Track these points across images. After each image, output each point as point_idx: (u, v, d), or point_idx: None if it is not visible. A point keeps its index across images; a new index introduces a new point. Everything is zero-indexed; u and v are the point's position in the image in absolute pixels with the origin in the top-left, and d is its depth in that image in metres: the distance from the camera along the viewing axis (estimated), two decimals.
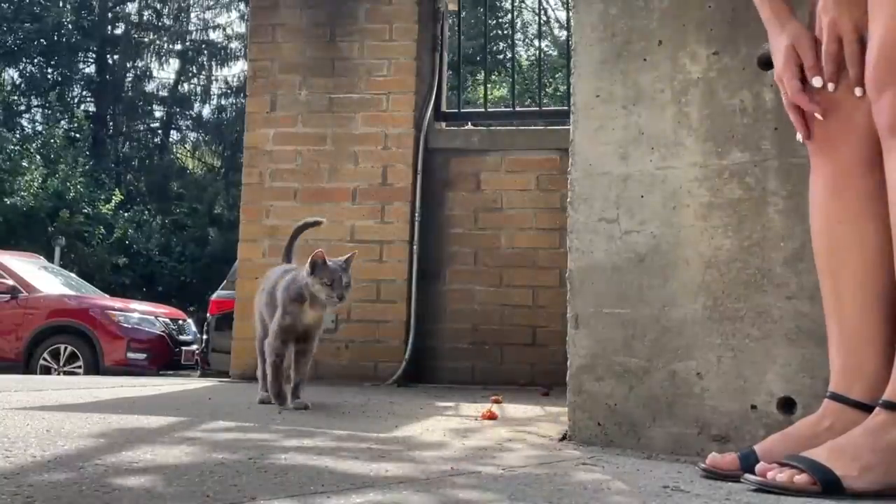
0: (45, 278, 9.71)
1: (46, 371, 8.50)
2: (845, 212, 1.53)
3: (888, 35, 1.40)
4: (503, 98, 15.68)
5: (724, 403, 1.84)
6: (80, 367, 8.60)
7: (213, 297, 8.08)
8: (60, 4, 23.63)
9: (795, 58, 1.57)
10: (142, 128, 25.66)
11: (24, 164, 18.32)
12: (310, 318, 2.73)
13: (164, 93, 25.40)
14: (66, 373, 8.42)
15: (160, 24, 25.29)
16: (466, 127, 5.04)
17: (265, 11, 5.03)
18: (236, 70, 24.77)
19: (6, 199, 17.11)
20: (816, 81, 1.52)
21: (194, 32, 25.45)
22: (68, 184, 18.15)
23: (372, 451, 1.80)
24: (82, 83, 25.09)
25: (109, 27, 25.24)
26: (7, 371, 6.92)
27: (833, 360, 1.55)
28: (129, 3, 25.04)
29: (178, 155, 25.39)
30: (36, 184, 17.98)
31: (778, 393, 1.79)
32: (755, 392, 1.82)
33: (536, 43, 19.82)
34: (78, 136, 20.42)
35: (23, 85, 23.67)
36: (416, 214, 4.73)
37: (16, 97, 22.51)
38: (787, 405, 1.78)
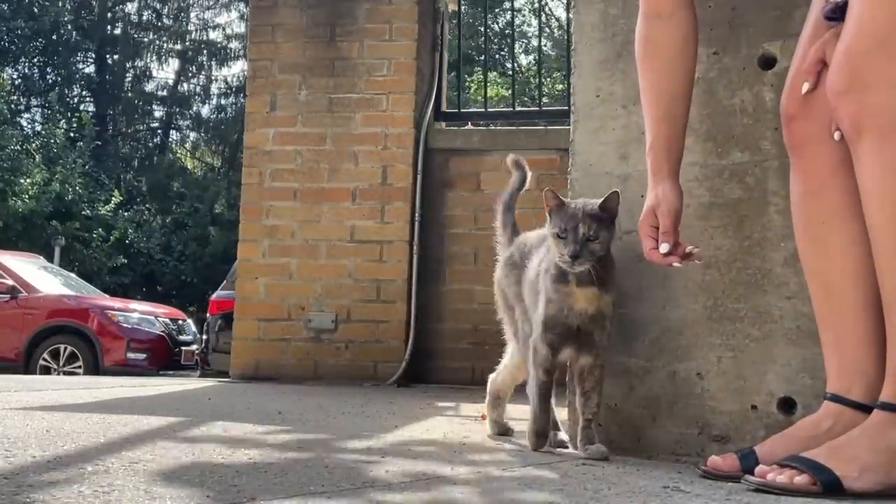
0: (44, 278, 9.70)
1: (46, 371, 8.50)
2: (829, 212, 1.53)
3: (851, 44, 1.40)
4: (503, 98, 15.67)
5: (725, 403, 1.84)
6: (79, 367, 8.59)
7: (213, 297, 8.10)
8: (59, 4, 23.58)
9: (652, 219, 1.67)
10: (142, 128, 25.64)
11: (27, 164, 18.27)
12: (582, 302, 1.78)
13: (163, 93, 25.40)
14: (65, 373, 8.42)
15: (160, 23, 25.27)
16: (466, 127, 5.05)
17: (265, 11, 5.03)
18: (236, 70, 24.77)
19: (13, 200, 17.03)
20: (804, 88, 1.54)
21: (194, 32, 25.43)
22: (67, 185, 18.12)
23: (372, 451, 1.81)
24: (82, 83, 25.07)
25: (109, 27, 25.22)
26: (7, 371, 6.91)
27: (829, 360, 1.55)
28: (128, 3, 25.03)
29: (178, 155, 25.37)
30: (37, 187, 17.92)
31: (778, 393, 1.79)
32: (755, 392, 1.81)
33: (535, 43, 19.81)
34: (79, 135, 20.35)
35: (22, 85, 23.63)
36: (416, 214, 4.74)
37: (15, 97, 22.45)
38: (788, 405, 1.78)
